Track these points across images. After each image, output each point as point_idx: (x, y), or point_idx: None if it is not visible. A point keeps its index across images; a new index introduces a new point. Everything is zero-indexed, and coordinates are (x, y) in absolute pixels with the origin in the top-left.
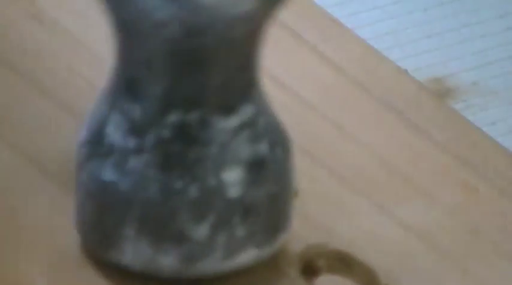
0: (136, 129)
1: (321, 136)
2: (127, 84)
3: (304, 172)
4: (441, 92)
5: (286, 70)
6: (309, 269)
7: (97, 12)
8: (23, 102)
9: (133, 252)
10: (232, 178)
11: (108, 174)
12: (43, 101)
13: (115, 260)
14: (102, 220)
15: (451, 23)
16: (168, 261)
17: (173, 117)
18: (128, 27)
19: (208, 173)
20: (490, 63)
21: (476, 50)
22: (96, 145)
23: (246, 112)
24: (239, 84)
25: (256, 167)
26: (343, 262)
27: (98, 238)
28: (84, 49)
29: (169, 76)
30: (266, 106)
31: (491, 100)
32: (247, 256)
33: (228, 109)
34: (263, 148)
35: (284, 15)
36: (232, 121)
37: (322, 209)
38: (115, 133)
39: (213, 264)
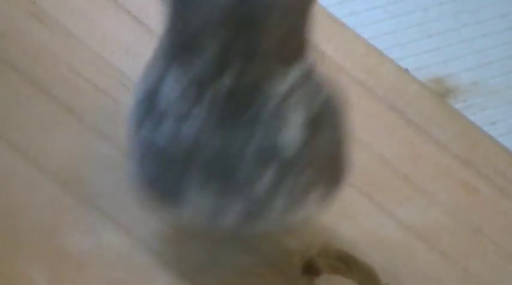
0: (193, 89)
1: None
2: (183, 46)
3: None
4: (441, 92)
5: None
6: (310, 269)
7: (97, 12)
8: (23, 101)
9: (196, 206)
10: (291, 129)
11: (166, 134)
12: (43, 100)
13: (177, 217)
14: (164, 175)
15: (451, 23)
16: (230, 216)
17: (230, 76)
18: None
19: (269, 126)
20: (490, 63)
21: (476, 50)
22: (154, 101)
23: (299, 71)
24: (293, 42)
25: (313, 120)
26: (344, 262)
27: (159, 195)
28: (85, 49)
29: (223, 39)
30: (317, 67)
31: (492, 100)
32: (305, 211)
33: (283, 68)
34: (319, 101)
35: None
36: (287, 80)
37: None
38: (170, 95)
39: (274, 217)
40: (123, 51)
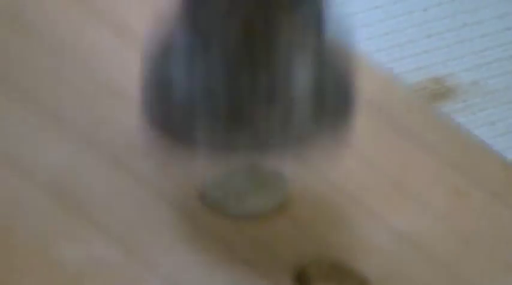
0: (207, 25)
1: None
2: None
3: (296, 179)
4: (441, 92)
5: None
6: (303, 277)
7: (83, 22)
8: (11, 112)
9: (207, 143)
10: (300, 64)
11: (182, 65)
12: (31, 111)
13: (189, 146)
14: (175, 114)
15: (450, 23)
16: (239, 151)
17: (241, 11)
18: None
19: (277, 64)
20: (489, 63)
21: (475, 50)
22: (165, 44)
23: (311, 7)
24: None
25: (321, 55)
26: (336, 270)
27: (171, 133)
28: (71, 58)
29: None
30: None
31: (491, 100)
32: (318, 137)
33: (294, 4)
34: (327, 36)
35: None
36: (298, 16)
37: (314, 217)
38: (183, 30)
39: (286, 149)
40: (109, 59)
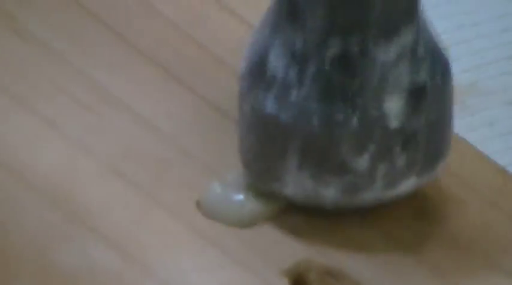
0: (297, 60)
1: None
2: (288, 14)
3: None
4: None
5: None
6: (299, 283)
7: (80, 28)
8: (6, 118)
9: (295, 184)
10: (393, 107)
11: (270, 106)
12: (26, 116)
13: (278, 191)
14: (264, 151)
15: (448, 24)
16: (329, 193)
17: (334, 46)
18: None
19: (369, 103)
20: (488, 64)
21: (473, 51)
22: (257, 76)
23: (406, 38)
24: (400, 8)
25: (417, 96)
26: (333, 276)
27: (261, 170)
28: (67, 64)
29: (330, 4)
30: (427, 30)
31: (489, 101)
32: (406, 185)
33: (389, 36)
34: (423, 75)
35: None
36: (393, 49)
37: (311, 221)
38: (276, 64)
39: (373, 194)
40: (106, 66)
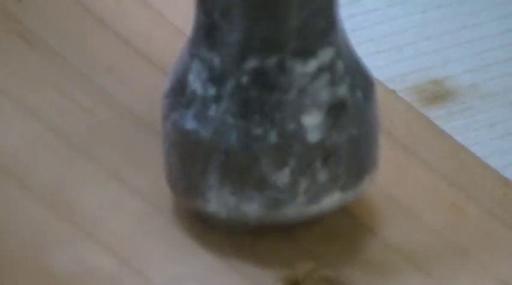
0: (215, 77)
1: None
2: (206, 33)
3: None
4: (440, 94)
5: None
6: None
7: (84, 33)
8: (8, 121)
9: (218, 200)
10: (312, 122)
11: (190, 122)
12: (28, 120)
13: (202, 209)
14: (187, 169)
15: (449, 25)
16: (252, 209)
17: (251, 63)
18: None
19: (288, 118)
20: (489, 65)
21: (475, 52)
22: (178, 95)
23: (325, 55)
24: (317, 27)
25: (336, 111)
26: (330, 284)
27: (184, 187)
28: (71, 69)
29: (247, 21)
30: (347, 48)
31: (490, 102)
32: (331, 200)
33: (307, 53)
34: (343, 91)
35: None
36: (311, 65)
37: (308, 230)
38: (196, 82)
39: (296, 209)
40: (110, 71)
